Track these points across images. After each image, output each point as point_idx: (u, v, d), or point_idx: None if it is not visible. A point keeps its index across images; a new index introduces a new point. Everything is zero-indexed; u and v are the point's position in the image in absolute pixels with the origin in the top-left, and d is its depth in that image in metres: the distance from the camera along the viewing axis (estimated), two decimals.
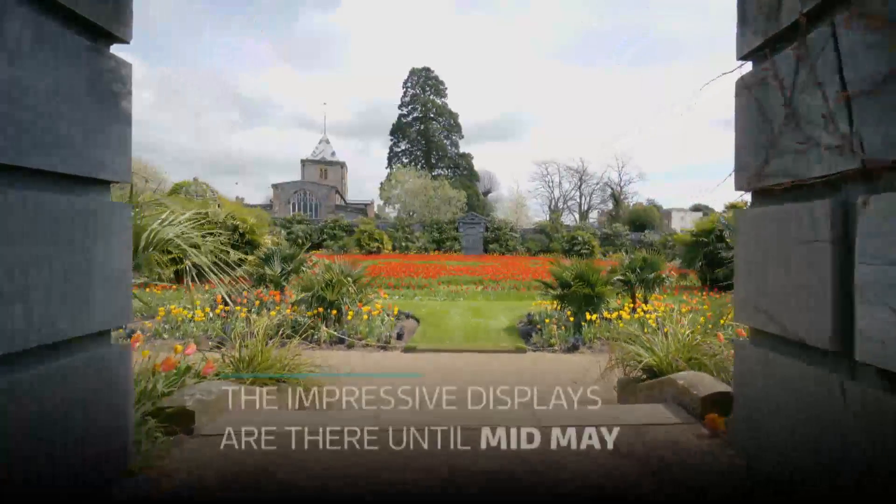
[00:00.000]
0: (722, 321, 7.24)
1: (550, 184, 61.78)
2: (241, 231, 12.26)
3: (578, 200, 61.31)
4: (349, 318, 6.40)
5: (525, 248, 35.77)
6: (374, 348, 6.12)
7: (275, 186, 55.00)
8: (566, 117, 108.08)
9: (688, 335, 3.56)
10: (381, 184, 47.45)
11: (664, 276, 8.79)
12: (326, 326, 6.38)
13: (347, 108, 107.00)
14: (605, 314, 6.96)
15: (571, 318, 6.68)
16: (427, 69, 54.98)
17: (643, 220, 46.88)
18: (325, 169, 64.68)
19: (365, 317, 6.46)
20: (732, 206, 31.71)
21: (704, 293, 12.02)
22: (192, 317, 6.40)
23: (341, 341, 6.16)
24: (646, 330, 7.08)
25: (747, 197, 1.85)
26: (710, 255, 13.49)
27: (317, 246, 35.87)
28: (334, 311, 6.41)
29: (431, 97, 54.79)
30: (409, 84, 55.12)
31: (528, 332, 7.13)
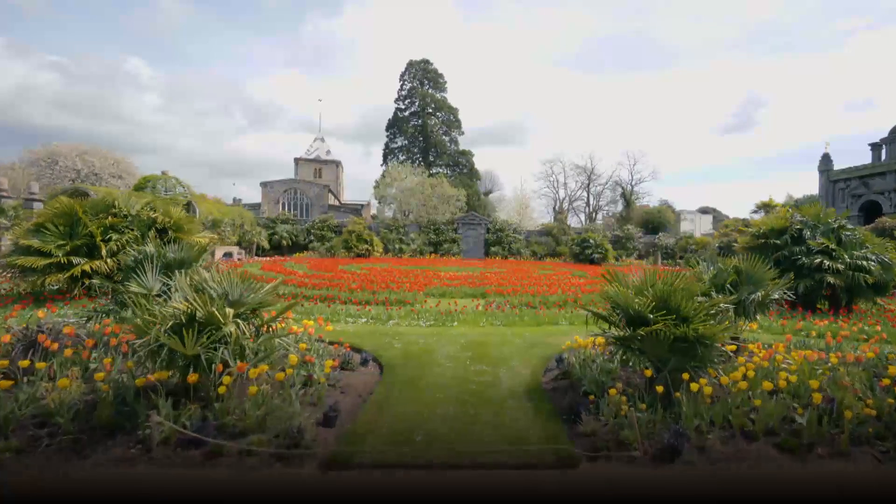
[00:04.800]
0: None
1: (556, 183, 58.66)
2: (160, 227, 9.05)
3: (586, 200, 58.15)
4: (222, 390, 3.19)
5: (530, 251, 32.68)
6: (262, 460, 2.92)
7: (263, 185, 51.72)
8: (571, 122, 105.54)
9: None
10: (376, 181, 44.22)
11: (772, 294, 5.64)
12: (179, 407, 3.18)
13: (352, 112, 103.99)
14: (721, 377, 3.77)
15: (660, 388, 3.48)
16: (426, 61, 51.76)
17: (656, 221, 43.63)
18: (319, 168, 61.53)
19: (254, 388, 3.23)
20: (765, 205, 28.64)
21: (789, 317, 8.83)
22: None
23: (198, 443, 2.97)
24: (800, 411, 3.89)
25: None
26: (783, 262, 10.28)
27: (303, 247, 32.63)
28: (194, 377, 3.21)
29: (430, 91, 51.51)
30: (406, 77, 51.90)
31: (568, 403, 3.95)
